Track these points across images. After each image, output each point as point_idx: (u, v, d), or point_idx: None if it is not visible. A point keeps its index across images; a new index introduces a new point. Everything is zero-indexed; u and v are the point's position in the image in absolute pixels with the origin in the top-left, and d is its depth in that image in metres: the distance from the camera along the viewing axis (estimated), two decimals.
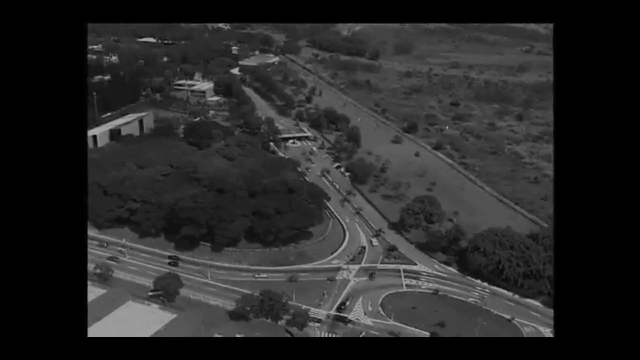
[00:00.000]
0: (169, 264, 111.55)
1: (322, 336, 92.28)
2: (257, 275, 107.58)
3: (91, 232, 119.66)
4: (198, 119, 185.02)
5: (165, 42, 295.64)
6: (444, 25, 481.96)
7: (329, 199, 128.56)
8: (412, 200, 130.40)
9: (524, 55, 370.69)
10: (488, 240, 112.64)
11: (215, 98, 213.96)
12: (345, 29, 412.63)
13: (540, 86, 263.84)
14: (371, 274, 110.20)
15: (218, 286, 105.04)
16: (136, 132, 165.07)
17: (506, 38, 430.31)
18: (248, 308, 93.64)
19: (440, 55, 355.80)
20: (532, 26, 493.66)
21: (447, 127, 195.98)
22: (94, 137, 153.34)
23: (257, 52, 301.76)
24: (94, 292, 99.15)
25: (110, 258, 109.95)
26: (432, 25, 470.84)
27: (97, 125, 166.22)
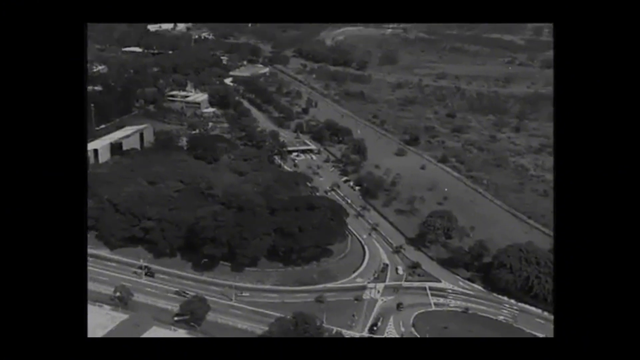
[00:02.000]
0: (146, 274, 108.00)
1: None
2: (241, 294, 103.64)
3: (103, 252, 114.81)
4: (197, 131, 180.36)
5: (152, 51, 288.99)
6: (424, 35, 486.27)
7: (347, 215, 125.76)
8: (428, 215, 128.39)
9: (507, 66, 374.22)
10: (514, 256, 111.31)
11: (211, 109, 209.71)
12: (329, 38, 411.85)
13: (530, 97, 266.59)
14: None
15: (244, 308, 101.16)
16: (137, 146, 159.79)
17: (487, 49, 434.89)
18: (281, 332, 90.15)
19: (425, 66, 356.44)
20: (509, 37, 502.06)
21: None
22: (95, 151, 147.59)
23: (245, 63, 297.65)
24: (115, 317, 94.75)
25: (178, 292, 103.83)
26: (412, 35, 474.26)
27: (94, 137, 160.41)
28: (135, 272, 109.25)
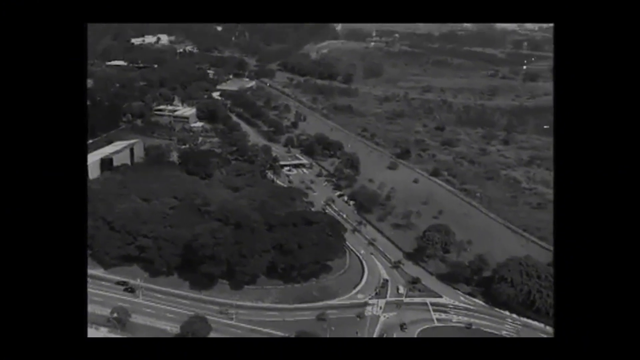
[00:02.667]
0: (125, 290, 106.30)
1: None
2: (226, 311, 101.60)
3: (97, 271, 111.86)
4: (187, 146, 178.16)
5: (137, 65, 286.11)
6: (407, 48, 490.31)
7: (346, 230, 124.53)
8: (426, 230, 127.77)
9: (490, 79, 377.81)
10: (514, 270, 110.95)
11: (200, 124, 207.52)
12: (313, 52, 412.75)
13: (516, 110, 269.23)
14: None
15: (244, 327, 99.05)
16: (127, 161, 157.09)
17: (469, 62, 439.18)
18: None
19: (410, 79, 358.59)
20: (490, 50, 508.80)
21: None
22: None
23: (231, 77, 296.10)
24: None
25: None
26: (395, 49, 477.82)
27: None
28: (126, 290, 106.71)
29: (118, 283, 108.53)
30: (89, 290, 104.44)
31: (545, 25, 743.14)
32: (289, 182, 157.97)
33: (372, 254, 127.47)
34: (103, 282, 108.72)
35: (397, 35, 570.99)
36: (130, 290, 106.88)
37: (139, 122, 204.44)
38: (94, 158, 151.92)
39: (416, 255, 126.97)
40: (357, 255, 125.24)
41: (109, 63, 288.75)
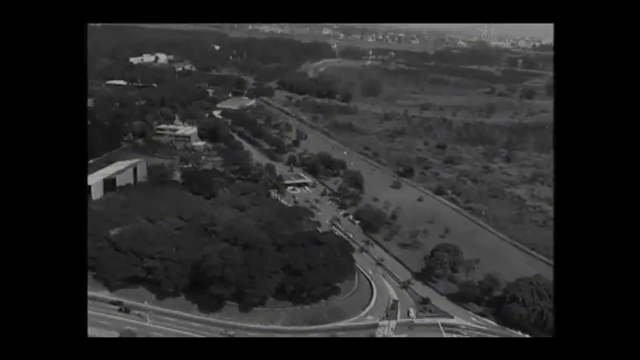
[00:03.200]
0: (119, 310, 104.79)
1: None
2: (229, 333, 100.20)
3: (103, 294, 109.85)
4: (190, 165, 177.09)
5: (136, 84, 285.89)
6: (403, 66, 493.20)
7: (354, 250, 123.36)
8: (434, 249, 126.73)
9: (487, 96, 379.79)
10: (525, 289, 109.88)
11: (201, 143, 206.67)
12: (311, 70, 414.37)
13: (515, 127, 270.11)
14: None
15: None
16: (130, 181, 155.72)
17: (466, 80, 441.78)
18: None
19: (408, 97, 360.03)
20: (485, 68, 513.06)
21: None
22: (89, 187, 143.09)
23: (230, 95, 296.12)
24: None
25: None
26: (392, 67, 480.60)
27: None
28: (139, 315, 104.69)
29: (112, 303, 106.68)
30: (95, 313, 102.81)
31: (537, 43, 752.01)
32: (295, 201, 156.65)
33: (380, 274, 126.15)
34: (111, 306, 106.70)
35: (392, 53, 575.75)
36: (125, 310, 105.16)
37: (140, 141, 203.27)
38: (96, 179, 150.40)
39: (425, 275, 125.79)
40: (365, 276, 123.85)
41: (108, 82, 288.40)
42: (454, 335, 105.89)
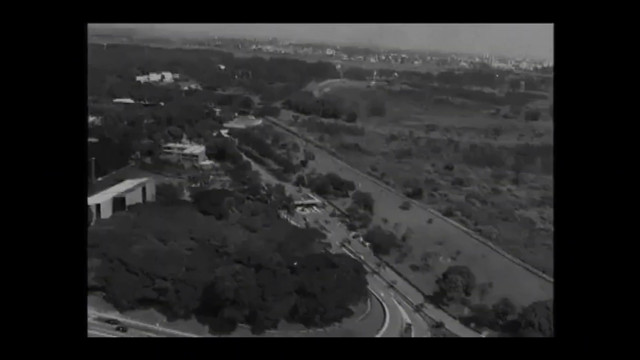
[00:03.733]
0: (117, 329, 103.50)
1: None
2: None
3: (113, 315, 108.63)
4: (198, 184, 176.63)
5: (143, 103, 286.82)
6: (407, 87, 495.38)
7: (366, 273, 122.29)
8: (447, 272, 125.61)
9: (492, 118, 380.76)
10: (540, 314, 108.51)
11: (209, 162, 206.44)
12: (316, 90, 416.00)
13: (522, 149, 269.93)
14: None
15: None
16: (139, 200, 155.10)
17: (470, 101, 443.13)
18: None
19: (413, 118, 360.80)
20: (488, 89, 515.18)
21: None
22: (98, 205, 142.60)
23: (236, 114, 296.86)
24: None
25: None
26: (397, 87, 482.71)
27: (94, 191, 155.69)
28: (118, 330, 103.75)
29: (108, 321, 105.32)
30: (105, 335, 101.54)
31: (539, 65, 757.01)
32: (306, 222, 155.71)
33: (393, 296, 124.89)
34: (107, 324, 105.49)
35: (396, 74, 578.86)
36: (123, 329, 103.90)
37: (148, 159, 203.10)
38: (106, 197, 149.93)
39: (437, 298, 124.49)
40: (377, 299, 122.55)
41: (115, 100, 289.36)
42: None
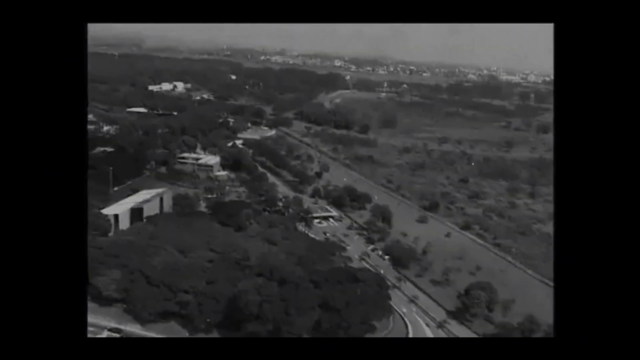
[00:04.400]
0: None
1: None
2: None
3: (134, 328, 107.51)
4: (214, 195, 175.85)
5: (157, 112, 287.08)
6: (417, 98, 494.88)
7: (388, 287, 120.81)
8: (469, 287, 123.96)
9: (503, 130, 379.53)
10: None
11: (224, 172, 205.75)
12: (327, 101, 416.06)
13: (535, 162, 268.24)
14: None
15: None
16: (156, 210, 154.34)
17: (480, 113, 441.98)
18: None
19: (424, 130, 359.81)
20: (498, 102, 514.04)
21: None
22: (116, 216, 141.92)
23: (249, 125, 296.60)
24: None
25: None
26: (407, 99, 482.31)
27: (110, 201, 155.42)
28: None
29: (111, 330, 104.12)
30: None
31: (547, 78, 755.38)
32: (326, 237, 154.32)
33: (414, 312, 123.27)
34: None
35: (405, 85, 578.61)
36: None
37: (163, 169, 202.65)
38: (123, 207, 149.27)
39: (460, 314, 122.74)
40: (400, 314, 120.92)
41: (129, 109, 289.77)
42: None
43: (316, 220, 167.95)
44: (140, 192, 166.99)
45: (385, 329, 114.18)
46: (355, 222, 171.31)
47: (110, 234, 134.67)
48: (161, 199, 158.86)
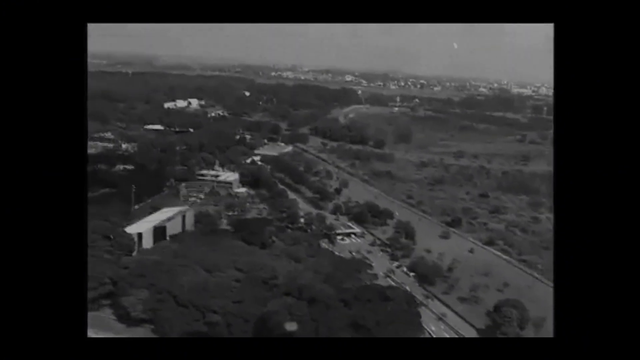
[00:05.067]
0: None
1: None
2: None
3: None
4: (235, 212, 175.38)
5: (173, 129, 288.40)
6: (431, 113, 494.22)
7: (417, 305, 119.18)
8: (499, 304, 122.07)
9: (519, 144, 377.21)
10: None
11: (243, 189, 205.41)
12: (341, 116, 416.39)
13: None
14: None
15: None
16: (179, 228, 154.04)
17: (494, 127, 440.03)
18: None
19: (439, 144, 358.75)
20: (511, 115, 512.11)
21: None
22: (139, 234, 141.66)
23: (266, 141, 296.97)
24: None
25: None
26: (421, 113, 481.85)
27: (133, 219, 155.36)
28: None
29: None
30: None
31: None
32: (352, 253, 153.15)
33: (443, 329, 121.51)
34: None
35: (417, 100, 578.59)
36: None
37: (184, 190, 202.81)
38: (146, 226, 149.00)
39: (490, 333, 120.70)
40: (429, 332, 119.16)
41: (146, 127, 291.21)
42: None
43: (338, 237, 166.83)
44: (161, 210, 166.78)
45: None
46: (379, 238, 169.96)
47: (134, 253, 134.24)
48: (183, 217, 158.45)
